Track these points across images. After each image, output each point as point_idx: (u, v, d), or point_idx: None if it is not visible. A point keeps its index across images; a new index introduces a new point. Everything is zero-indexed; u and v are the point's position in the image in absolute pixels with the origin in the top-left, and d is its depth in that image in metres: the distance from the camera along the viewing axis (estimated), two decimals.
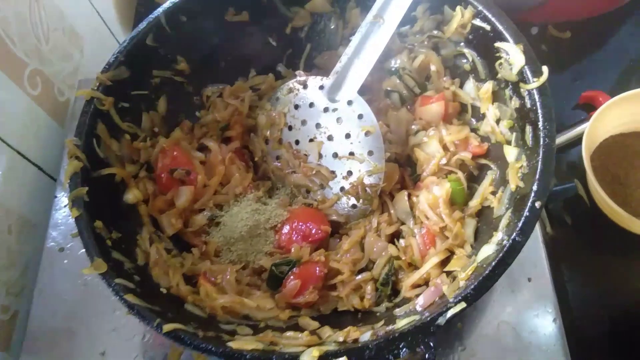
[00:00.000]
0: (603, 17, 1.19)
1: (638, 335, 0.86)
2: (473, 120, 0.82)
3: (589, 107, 1.12)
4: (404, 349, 0.55)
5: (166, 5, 0.81)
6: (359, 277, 0.75)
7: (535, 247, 0.84)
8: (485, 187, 0.74)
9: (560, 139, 1.03)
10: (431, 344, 0.55)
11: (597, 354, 0.93)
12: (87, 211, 0.68)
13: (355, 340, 0.61)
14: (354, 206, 0.81)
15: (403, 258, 0.75)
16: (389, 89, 0.86)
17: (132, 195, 0.78)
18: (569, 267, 1.02)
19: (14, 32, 0.92)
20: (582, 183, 0.96)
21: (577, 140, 1.03)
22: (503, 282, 0.82)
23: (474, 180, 0.79)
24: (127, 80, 0.79)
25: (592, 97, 1.12)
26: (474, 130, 0.81)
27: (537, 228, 0.85)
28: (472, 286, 0.58)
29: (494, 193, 0.73)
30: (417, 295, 0.68)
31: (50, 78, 1.05)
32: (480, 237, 0.72)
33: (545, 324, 0.79)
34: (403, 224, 0.79)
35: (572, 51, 1.20)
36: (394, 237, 0.78)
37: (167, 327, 0.60)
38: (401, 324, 0.61)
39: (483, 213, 0.75)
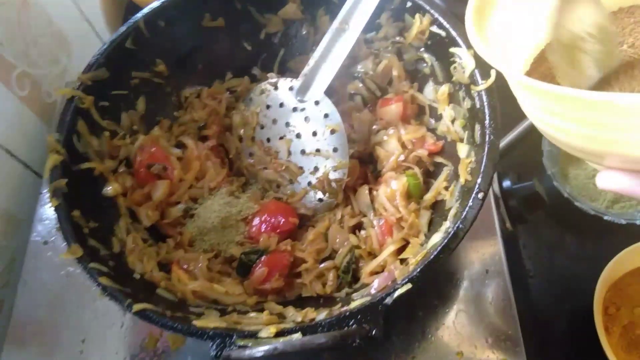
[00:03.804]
0: None
1: (594, 329, 0.90)
2: (432, 120, 0.86)
3: None
4: (353, 325, 0.60)
5: (145, 10, 0.86)
6: (322, 265, 0.80)
7: (494, 243, 0.89)
8: (440, 182, 0.79)
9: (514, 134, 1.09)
10: (379, 321, 0.60)
11: (556, 344, 0.98)
12: (65, 201, 0.72)
13: (312, 319, 0.66)
14: (320, 200, 0.86)
15: (363, 247, 0.79)
16: (352, 92, 0.91)
17: (111, 189, 0.81)
18: (532, 264, 1.07)
19: (2, 35, 0.97)
20: (540, 180, 1.01)
21: (533, 137, 1.08)
22: (463, 275, 0.87)
23: (431, 176, 0.84)
24: (107, 80, 0.83)
25: None
26: (433, 130, 0.86)
27: (496, 225, 0.90)
28: (419, 269, 0.63)
29: (447, 188, 0.78)
30: (374, 281, 0.73)
31: (38, 80, 1.09)
32: (433, 227, 0.77)
33: (500, 313, 0.83)
34: (364, 216, 0.84)
35: None
36: (355, 229, 0.83)
37: (137, 306, 0.64)
38: (354, 304, 0.65)
39: (437, 205, 0.79)
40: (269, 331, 0.60)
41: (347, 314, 0.61)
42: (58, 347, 0.88)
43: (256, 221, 0.84)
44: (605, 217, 1.01)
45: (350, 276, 0.79)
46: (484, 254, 0.88)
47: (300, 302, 0.78)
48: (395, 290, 0.62)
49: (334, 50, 0.84)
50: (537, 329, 1.01)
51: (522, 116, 1.14)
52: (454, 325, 0.83)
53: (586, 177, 1.08)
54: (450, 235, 0.64)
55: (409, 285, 0.62)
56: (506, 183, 1.00)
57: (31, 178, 1.06)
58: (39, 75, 1.10)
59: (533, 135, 1.14)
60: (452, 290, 0.86)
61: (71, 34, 1.22)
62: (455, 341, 0.82)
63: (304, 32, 0.96)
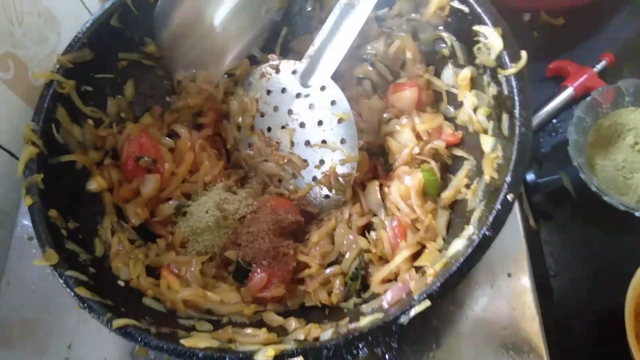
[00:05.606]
0: (597, 4, 1.15)
1: (623, 336, 0.83)
2: (450, 108, 0.79)
3: (559, 79, 1.08)
4: (364, 349, 0.52)
5: None
6: (328, 270, 0.73)
7: (517, 242, 0.81)
8: (460, 178, 0.71)
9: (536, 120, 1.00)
10: (392, 344, 0.53)
11: (579, 351, 0.91)
12: (41, 199, 0.66)
13: (316, 339, 0.59)
14: (326, 196, 0.79)
15: (373, 251, 0.72)
16: (360, 76, 0.84)
17: (95, 183, 0.75)
18: (555, 263, 0.99)
19: None
20: (568, 174, 0.93)
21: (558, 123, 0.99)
22: (482, 278, 0.80)
23: (449, 170, 0.76)
24: (90, 62, 0.77)
25: (560, 67, 1.09)
26: (451, 119, 0.78)
27: (519, 222, 0.83)
28: (438, 283, 0.55)
29: (468, 185, 0.70)
30: (387, 291, 0.66)
31: (23, 62, 1.01)
32: (452, 230, 0.70)
33: (523, 321, 0.76)
34: (375, 215, 0.76)
35: (565, 38, 1.17)
36: (365, 230, 0.76)
37: (118, 322, 0.58)
38: (364, 322, 0.58)
39: (457, 204, 0.72)
40: (266, 354, 0.53)
41: (356, 334, 0.54)
42: (42, 353, 0.82)
43: None
44: (637, 213, 0.93)
45: (359, 284, 0.72)
46: (506, 256, 0.80)
47: (303, 312, 0.72)
48: (411, 307, 0.54)
49: (341, 28, 0.76)
50: (560, 334, 0.94)
51: (544, 99, 1.08)
52: (472, 333, 0.76)
53: (615, 169, 0.99)
54: (475, 245, 0.56)
55: (427, 303, 0.54)
56: (530, 176, 0.92)
57: (16, 167, 0.98)
58: (25, 57, 1.02)
59: (557, 121, 1.06)
60: (469, 295, 0.79)
61: (60, 12, 1.13)
62: (473, 351, 0.75)
63: (309, 9, 0.88)
